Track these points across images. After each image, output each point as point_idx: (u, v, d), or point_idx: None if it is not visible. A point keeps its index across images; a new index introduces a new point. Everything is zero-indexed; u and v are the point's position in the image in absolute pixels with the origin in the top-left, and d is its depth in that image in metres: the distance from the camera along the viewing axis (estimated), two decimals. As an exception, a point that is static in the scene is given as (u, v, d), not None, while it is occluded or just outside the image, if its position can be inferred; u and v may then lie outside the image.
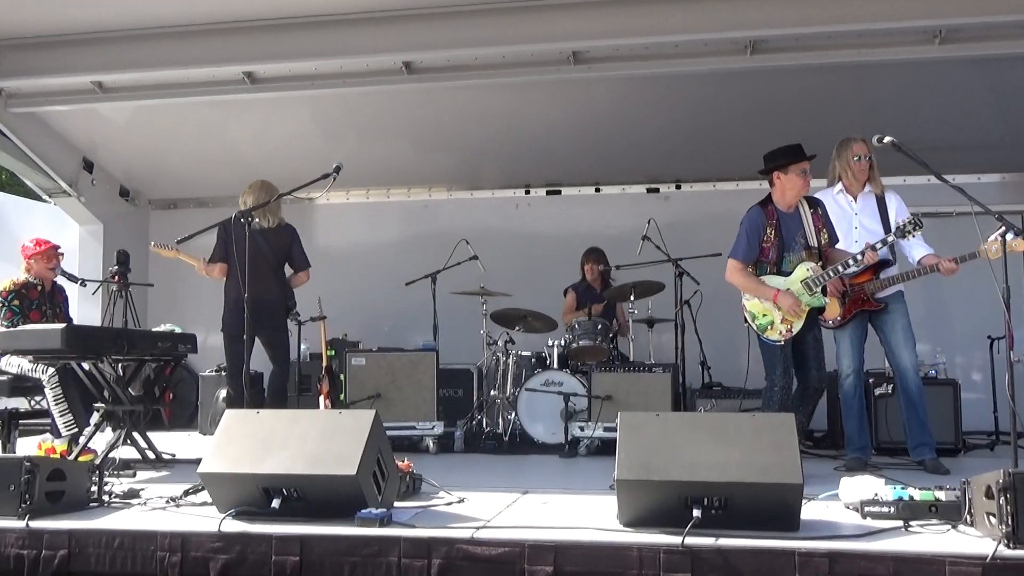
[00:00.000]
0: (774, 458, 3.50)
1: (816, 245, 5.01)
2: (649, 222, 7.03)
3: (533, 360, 7.09)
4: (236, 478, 3.77)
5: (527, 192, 8.80)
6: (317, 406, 6.80)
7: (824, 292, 5.01)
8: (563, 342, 6.93)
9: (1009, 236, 4.29)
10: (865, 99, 6.99)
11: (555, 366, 6.87)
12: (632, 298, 6.91)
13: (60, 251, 6.26)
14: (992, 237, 4.46)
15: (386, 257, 8.70)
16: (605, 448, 6.27)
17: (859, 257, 4.95)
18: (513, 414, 6.71)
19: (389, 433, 4.25)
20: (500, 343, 7.06)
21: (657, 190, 8.52)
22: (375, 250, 8.86)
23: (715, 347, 7.43)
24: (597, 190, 8.65)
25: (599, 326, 6.91)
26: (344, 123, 7.95)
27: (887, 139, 4.33)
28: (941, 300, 7.81)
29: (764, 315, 5.02)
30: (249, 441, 3.86)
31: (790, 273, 5.00)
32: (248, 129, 8.10)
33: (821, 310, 5.07)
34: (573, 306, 7.60)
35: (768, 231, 4.97)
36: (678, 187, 8.50)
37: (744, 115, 7.23)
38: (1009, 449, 4.24)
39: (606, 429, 6.22)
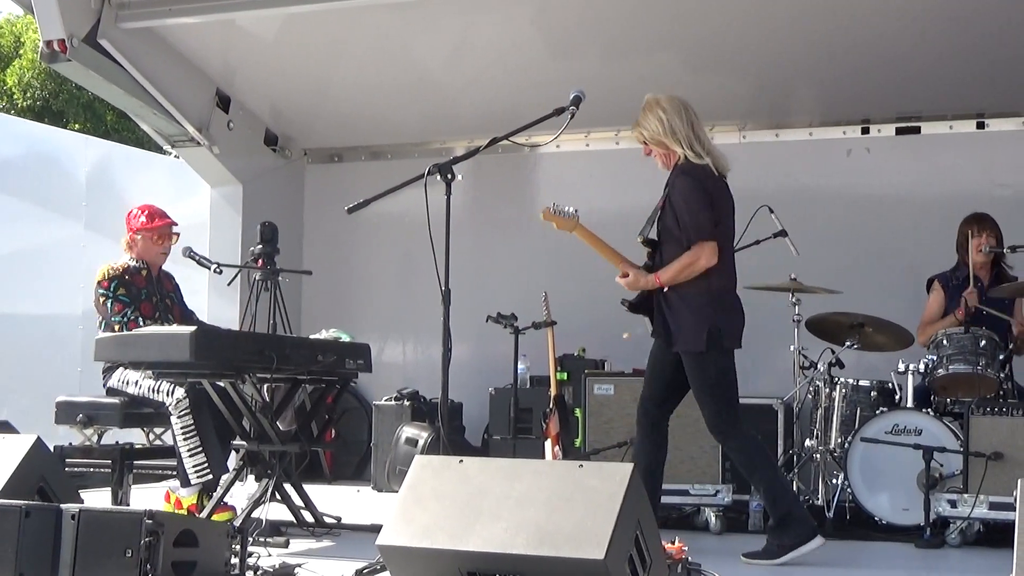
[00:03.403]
0: None
1: None
2: (1068, 175, 6.69)
3: (874, 394, 6.95)
4: (429, 556, 3.89)
5: (865, 131, 8.63)
6: (542, 455, 6.92)
7: None
8: (923, 367, 6.75)
9: None
10: None
11: (909, 404, 6.70)
12: (1039, 298, 6.60)
13: (177, 229, 6.71)
14: None
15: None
16: (992, 536, 6.06)
17: None
18: (841, 476, 6.61)
19: (652, 499, 4.25)
20: (821, 367, 6.95)
21: (1083, 123, 8.16)
22: (626, 221, 8.74)
23: None
24: (980, 125, 8.37)
25: (983, 342, 6.66)
26: (583, 33, 8.04)
27: None
28: None
29: None
30: (448, 504, 3.96)
31: None
32: (443, 46, 8.36)
33: None
34: (940, 309, 7.35)
35: None
36: (1121, 117, 8.09)
37: None
38: None
39: (994, 506, 6.01)
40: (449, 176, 5.03)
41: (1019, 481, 3.68)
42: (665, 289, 5.48)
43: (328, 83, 8.99)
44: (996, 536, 5.93)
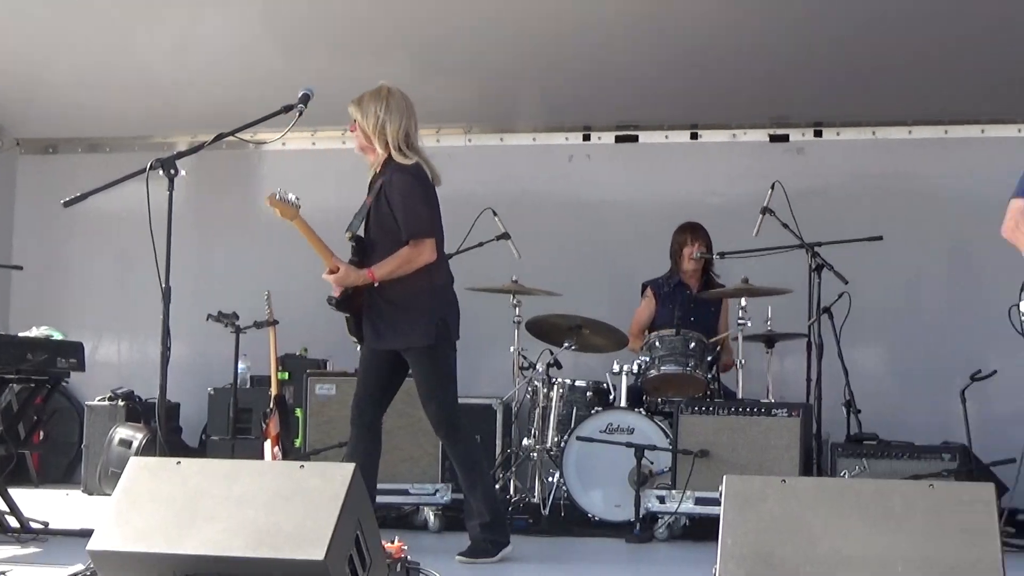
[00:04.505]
0: (964, 553, 3.49)
1: None
2: (773, 187, 7.02)
3: (590, 394, 7.11)
4: (144, 560, 3.80)
5: (586, 138, 8.82)
6: (261, 455, 6.85)
7: None
8: (636, 368, 6.95)
9: None
10: None
11: (622, 404, 6.89)
12: (743, 303, 6.90)
13: None
14: None
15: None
16: (697, 530, 6.29)
17: None
18: (557, 475, 6.74)
19: (373, 499, 4.27)
20: (540, 367, 7.08)
21: (786, 138, 8.52)
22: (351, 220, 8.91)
23: (869, 380, 7.44)
24: (694, 136, 8.66)
25: (692, 344, 6.91)
26: (310, 32, 7.98)
27: None
28: None
29: None
30: (164, 506, 3.88)
31: None
32: (167, 38, 8.17)
33: None
34: (651, 315, 7.62)
35: None
36: (818, 134, 8.50)
37: (935, 20, 7.16)
38: None
39: (699, 501, 6.25)
40: (172, 171, 4.92)
41: (724, 477, 3.83)
42: (376, 285, 5.43)
43: (43, 71, 8.64)
44: (702, 530, 6.16)
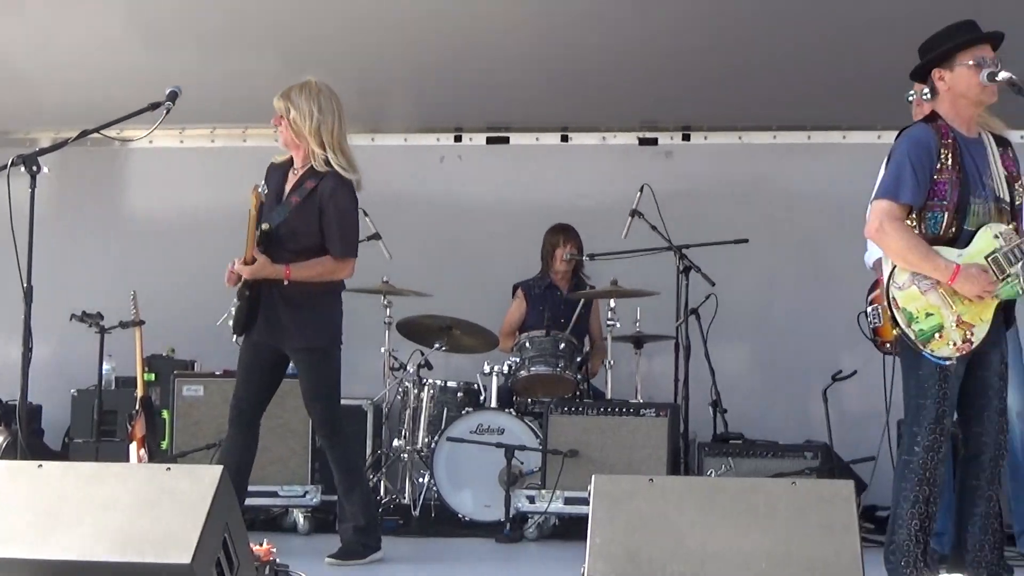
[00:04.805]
0: (825, 548, 3.57)
1: (1008, 200, 4.59)
2: (642, 189, 7.12)
3: (460, 395, 7.15)
4: (4, 567, 3.72)
5: (458, 139, 8.84)
6: (127, 457, 6.75)
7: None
8: (507, 368, 7.00)
9: None
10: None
11: (493, 404, 6.94)
12: (612, 304, 6.98)
13: None
14: None
15: (238, 233, 8.62)
16: (567, 529, 6.37)
17: None
18: (427, 475, 6.76)
19: (241, 501, 4.23)
20: (410, 368, 7.09)
21: (655, 141, 8.62)
22: (221, 221, 8.74)
23: (735, 380, 7.57)
24: (564, 139, 8.73)
25: (562, 345, 6.98)
26: (178, 27, 7.86)
27: (1003, 76, 4.41)
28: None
29: (928, 314, 4.68)
30: (25, 511, 3.81)
31: (972, 236, 4.51)
32: (27, 31, 7.97)
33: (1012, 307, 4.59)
34: (521, 316, 7.67)
35: (944, 155, 4.51)
36: (686, 138, 8.62)
37: (799, 29, 7.32)
38: None
39: (569, 500, 6.32)
40: (34, 168, 4.85)
41: (593, 476, 3.88)
42: (286, 283, 5.42)
43: None
44: (571, 529, 6.23)
